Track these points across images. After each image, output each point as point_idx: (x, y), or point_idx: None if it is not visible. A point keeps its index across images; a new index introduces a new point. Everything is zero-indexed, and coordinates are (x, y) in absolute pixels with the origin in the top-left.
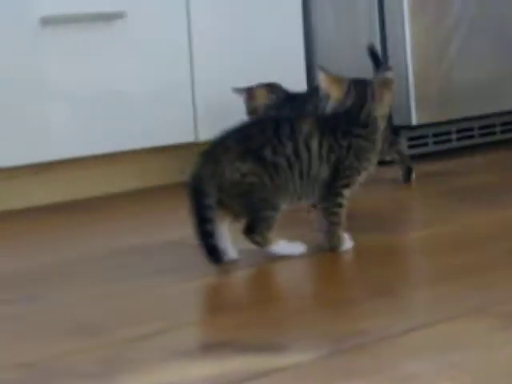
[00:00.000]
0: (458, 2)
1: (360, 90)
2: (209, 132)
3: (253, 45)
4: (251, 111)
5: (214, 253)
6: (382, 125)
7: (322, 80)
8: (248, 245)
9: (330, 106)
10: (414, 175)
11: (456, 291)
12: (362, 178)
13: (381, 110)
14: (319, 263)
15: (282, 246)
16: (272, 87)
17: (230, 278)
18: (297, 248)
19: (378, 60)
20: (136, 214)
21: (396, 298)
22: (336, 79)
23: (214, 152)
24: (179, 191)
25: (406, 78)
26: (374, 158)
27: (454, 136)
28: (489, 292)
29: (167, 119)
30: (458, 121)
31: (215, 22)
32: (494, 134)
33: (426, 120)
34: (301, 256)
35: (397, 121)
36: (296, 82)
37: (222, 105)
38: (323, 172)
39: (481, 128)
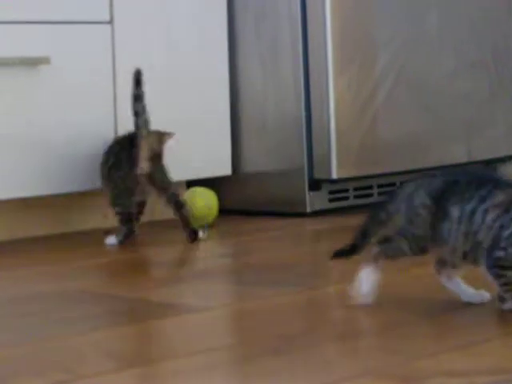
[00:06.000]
0: (383, 57)
1: None
2: None
3: (179, 95)
4: None
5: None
6: None
7: None
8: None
9: None
10: (202, 234)
11: (357, 350)
12: None
13: None
14: (220, 319)
15: None
16: None
17: (133, 330)
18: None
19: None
20: (50, 260)
21: (296, 356)
22: None
23: None
24: (99, 237)
25: (328, 132)
26: None
27: (375, 190)
28: (390, 353)
29: (87, 165)
30: (379, 175)
31: (142, 69)
32: None
33: (346, 174)
34: (201, 311)
35: (317, 174)
36: (221, 139)
37: None
38: None
39: (402, 183)
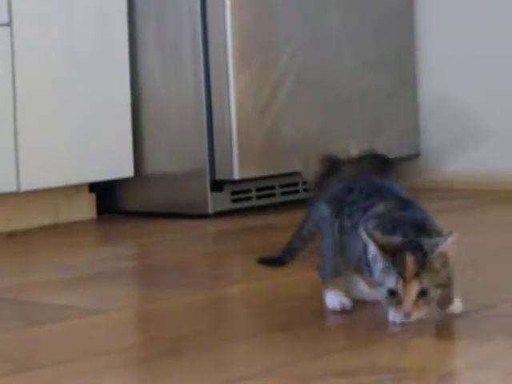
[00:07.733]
0: (284, 57)
1: None
2: (31, 181)
3: (79, 99)
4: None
5: None
6: None
7: None
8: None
9: None
10: None
11: (255, 350)
12: None
13: None
14: (119, 321)
15: None
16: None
17: (29, 333)
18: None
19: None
20: None
21: (195, 357)
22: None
23: None
24: (5, 240)
25: (230, 132)
26: None
27: (278, 191)
28: (286, 353)
29: None
30: (282, 175)
31: (42, 71)
32: None
33: (249, 174)
34: (98, 314)
35: (219, 175)
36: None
37: (46, 155)
38: None
39: (305, 183)
